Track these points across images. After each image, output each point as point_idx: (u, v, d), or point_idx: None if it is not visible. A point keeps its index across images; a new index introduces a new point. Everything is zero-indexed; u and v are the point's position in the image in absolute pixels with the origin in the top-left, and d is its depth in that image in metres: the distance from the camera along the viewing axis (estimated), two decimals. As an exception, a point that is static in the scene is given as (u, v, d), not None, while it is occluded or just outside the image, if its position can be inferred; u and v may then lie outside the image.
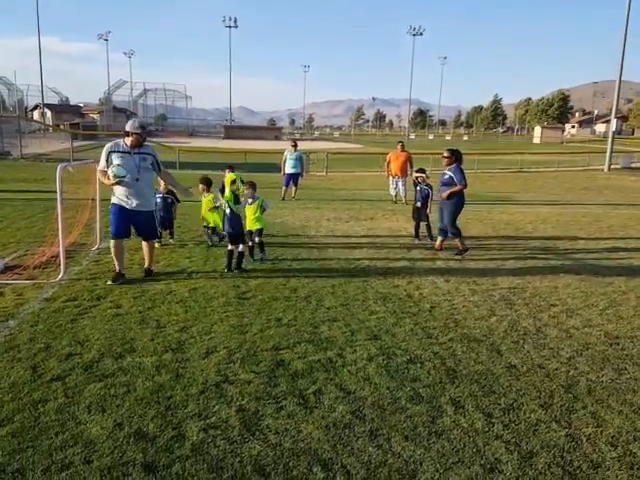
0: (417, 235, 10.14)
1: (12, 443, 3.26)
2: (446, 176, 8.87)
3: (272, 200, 15.78)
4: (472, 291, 6.82)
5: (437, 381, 4.28)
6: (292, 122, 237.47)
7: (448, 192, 8.77)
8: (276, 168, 18.23)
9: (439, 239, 9.19)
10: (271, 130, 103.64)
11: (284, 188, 16.20)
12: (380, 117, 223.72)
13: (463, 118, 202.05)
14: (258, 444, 3.35)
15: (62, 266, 6.84)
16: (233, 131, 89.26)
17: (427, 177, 10.26)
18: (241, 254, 7.54)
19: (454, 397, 4.03)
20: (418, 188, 10.10)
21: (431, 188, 10.06)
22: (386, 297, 6.46)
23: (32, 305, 5.78)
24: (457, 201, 8.87)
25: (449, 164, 8.94)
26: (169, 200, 9.35)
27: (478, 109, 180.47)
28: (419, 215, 10.10)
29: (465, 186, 8.78)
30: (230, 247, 7.56)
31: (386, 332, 5.33)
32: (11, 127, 35.81)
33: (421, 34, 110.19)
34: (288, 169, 16.08)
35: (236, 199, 7.57)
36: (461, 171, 8.83)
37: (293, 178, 16.16)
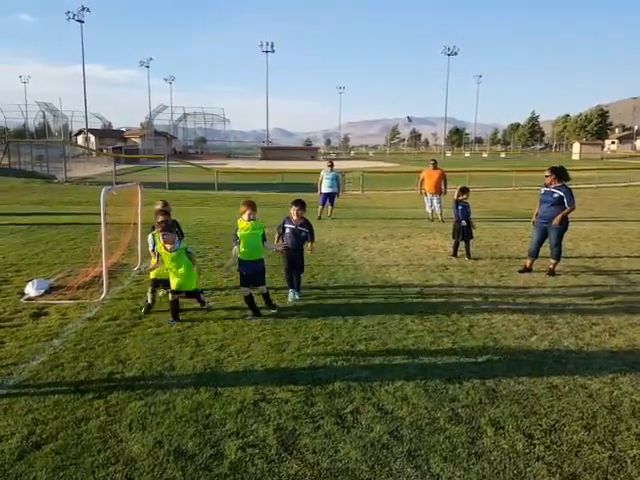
0: (455, 254, 10.02)
1: (56, 460, 3.35)
2: (555, 195, 8.47)
3: (309, 219, 15.94)
4: (511, 310, 6.68)
5: (477, 401, 4.20)
6: (328, 142, 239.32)
7: (560, 217, 8.37)
8: (312, 188, 18.36)
9: (553, 261, 8.67)
10: (307, 150, 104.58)
11: (320, 207, 16.31)
12: (415, 136, 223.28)
13: (500, 135, 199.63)
14: (296, 463, 3.35)
15: (105, 286, 7.03)
16: (270, 152, 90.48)
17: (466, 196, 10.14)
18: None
19: (494, 418, 3.94)
20: (460, 207, 9.99)
21: (469, 206, 10.00)
22: (423, 316, 6.40)
23: (76, 324, 5.95)
24: (566, 221, 8.56)
25: (551, 182, 8.62)
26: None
27: (515, 126, 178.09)
28: (464, 234, 9.98)
29: (574, 207, 8.46)
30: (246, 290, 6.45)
31: (424, 351, 5.27)
32: (56, 152, 37.24)
33: (456, 54, 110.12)
34: (325, 188, 16.19)
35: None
36: (571, 191, 8.50)
37: (329, 197, 16.27)
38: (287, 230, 7.06)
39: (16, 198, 22.05)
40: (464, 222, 9.90)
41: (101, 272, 7.20)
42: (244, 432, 3.71)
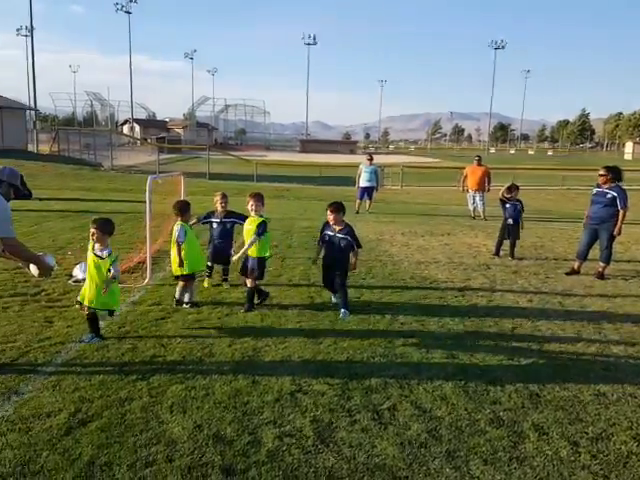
0: (497, 253, 9.81)
1: (101, 437, 3.43)
2: (609, 195, 8.17)
3: (346, 213, 15.86)
4: (557, 313, 6.49)
5: (519, 405, 4.10)
6: (367, 136, 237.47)
7: (619, 227, 8.08)
8: (351, 181, 18.31)
9: (603, 265, 8.34)
10: (346, 144, 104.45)
11: (358, 201, 16.25)
12: (458, 131, 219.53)
13: (547, 133, 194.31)
14: (332, 456, 3.34)
15: (148, 272, 7.18)
16: (309, 145, 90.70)
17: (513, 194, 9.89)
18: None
19: (537, 423, 3.84)
20: (508, 205, 9.76)
21: (521, 204, 9.78)
22: (464, 315, 6.28)
23: (120, 308, 6.07)
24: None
25: (605, 182, 8.32)
26: (228, 226, 7.16)
27: (563, 123, 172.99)
28: (509, 232, 9.70)
29: (627, 209, 8.11)
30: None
31: (464, 351, 5.17)
32: (103, 140, 38.17)
33: (503, 47, 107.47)
34: (363, 182, 16.12)
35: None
36: (625, 193, 8.16)
37: (368, 191, 16.18)
38: (326, 237, 6.35)
39: (65, 184, 22.76)
40: (510, 220, 9.68)
41: (145, 258, 7.36)
42: (281, 421, 3.72)
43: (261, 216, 6.25)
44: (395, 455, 3.37)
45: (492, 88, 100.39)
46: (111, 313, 5.26)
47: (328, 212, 6.31)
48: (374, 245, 10.60)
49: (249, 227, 6.23)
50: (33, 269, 4.45)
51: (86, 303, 5.05)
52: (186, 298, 6.31)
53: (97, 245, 5.09)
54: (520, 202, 9.80)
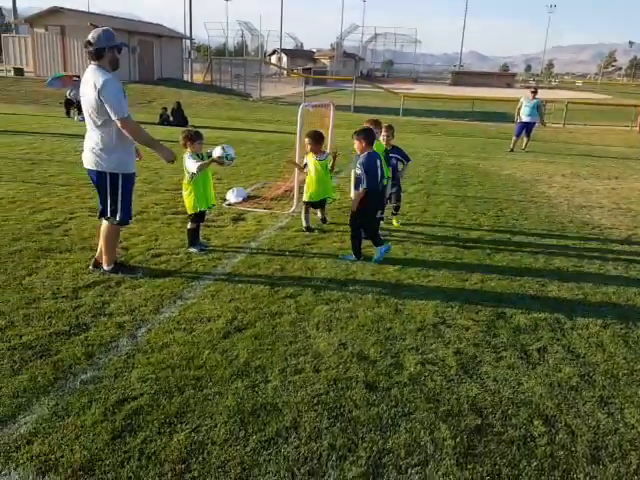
0: None
1: (254, 344, 3.73)
2: None
3: (499, 151, 14.96)
4: None
5: (688, 361, 3.70)
6: (528, 68, 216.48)
7: None
8: (506, 117, 17.06)
9: None
10: (503, 77, 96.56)
11: (514, 138, 15.15)
12: (636, 64, 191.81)
13: None
14: (475, 387, 3.31)
15: (295, 200, 7.42)
16: (461, 77, 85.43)
17: None
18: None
19: None
20: None
21: None
22: (629, 264, 5.72)
23: (269, 232, 6.43)
24: None
25: None
26: (393, 162, 6.89)
27: None
28: None
29: None
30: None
31: (627, 300, 4.76)
32: (252, 71, 38.84)
33: None
34: (523, 117, 14.91)
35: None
36: None
37: (527, 127, 14.97)
38: None
39: (216, 113, 23.93)
40: None
41: (292, 187, 7.61)
42: (423, 349, 3.75)
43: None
44: (543, 394, 3.26)
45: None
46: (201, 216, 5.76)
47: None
48: (529, 186, 9.92)
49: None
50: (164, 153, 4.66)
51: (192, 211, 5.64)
52: (304, 222, 6.64)
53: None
54: None
